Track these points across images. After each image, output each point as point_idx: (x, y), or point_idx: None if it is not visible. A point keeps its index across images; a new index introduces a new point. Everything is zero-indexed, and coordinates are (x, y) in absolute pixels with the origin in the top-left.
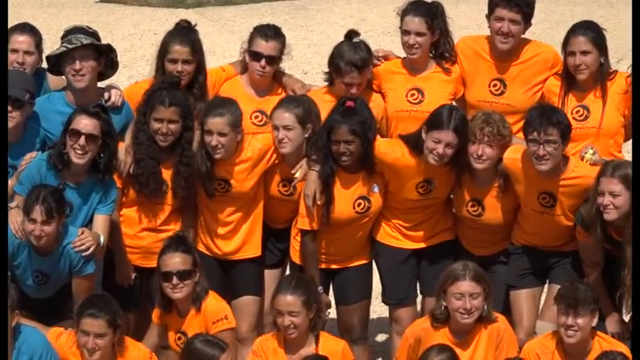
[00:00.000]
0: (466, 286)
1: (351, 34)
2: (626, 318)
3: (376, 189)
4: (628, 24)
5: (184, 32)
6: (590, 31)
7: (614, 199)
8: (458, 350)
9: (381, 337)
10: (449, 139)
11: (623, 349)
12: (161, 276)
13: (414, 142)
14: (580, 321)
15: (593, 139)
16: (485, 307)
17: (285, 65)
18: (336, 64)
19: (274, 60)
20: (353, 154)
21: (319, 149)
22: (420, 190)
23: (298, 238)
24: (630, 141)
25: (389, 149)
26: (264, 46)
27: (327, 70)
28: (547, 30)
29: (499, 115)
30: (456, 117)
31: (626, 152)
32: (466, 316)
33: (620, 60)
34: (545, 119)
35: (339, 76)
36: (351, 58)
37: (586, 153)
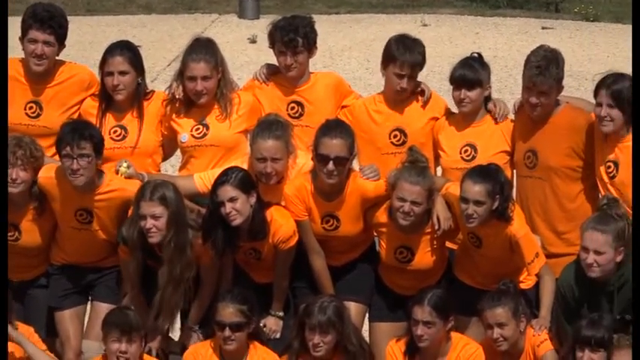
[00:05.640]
0: None
1: None
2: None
3: None
4: (158, 43)
5: None
6: (127, 50)
7: (156, 221)
8: None
9: None
10: None
11: None
12: None
13: None
14: (133, 347)
15: (130, 159)
16: None
17: None
18: None
19: None
20: None
21: None
22: None
23: None
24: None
25: None
26: None
27: None
28: (80, 52)
29: (30, 138)
30: None
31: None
32: None
33: (154, 79)
34: (77, 134)
35: None
36: None
37: (120, 166)
